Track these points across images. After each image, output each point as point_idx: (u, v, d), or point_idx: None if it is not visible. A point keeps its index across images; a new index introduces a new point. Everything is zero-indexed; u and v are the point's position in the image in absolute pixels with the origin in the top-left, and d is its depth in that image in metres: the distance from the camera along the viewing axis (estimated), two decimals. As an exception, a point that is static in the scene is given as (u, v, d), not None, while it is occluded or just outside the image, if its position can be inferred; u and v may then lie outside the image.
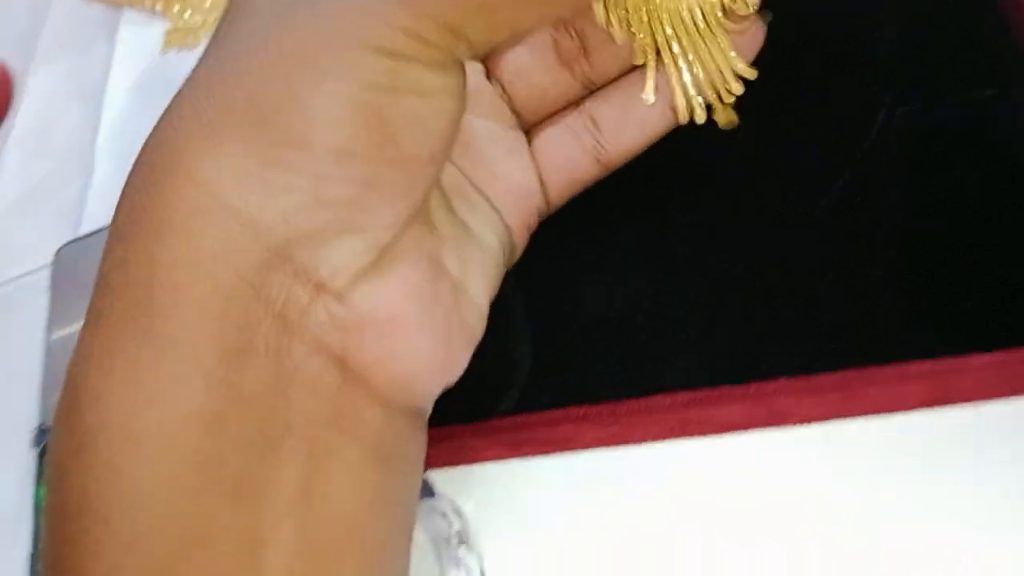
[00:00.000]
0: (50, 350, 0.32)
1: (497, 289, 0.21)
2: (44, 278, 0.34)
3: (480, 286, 0.20)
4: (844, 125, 0.26)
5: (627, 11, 0.20)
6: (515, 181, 0.22)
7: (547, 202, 0.23)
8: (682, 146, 0.27)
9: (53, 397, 0.30)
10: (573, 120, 0.23)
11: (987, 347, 0.22)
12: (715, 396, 0.23)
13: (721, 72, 0.21)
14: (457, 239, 0.20)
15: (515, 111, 0.23)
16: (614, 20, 0.20)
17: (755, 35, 0.22)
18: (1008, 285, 0.23)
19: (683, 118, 0.21)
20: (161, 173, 0.16)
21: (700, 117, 0.21)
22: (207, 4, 0.43)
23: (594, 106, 0.22)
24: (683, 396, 0.23)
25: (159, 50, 0.41)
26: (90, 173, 0.39)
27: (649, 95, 0.21)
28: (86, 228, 0.36)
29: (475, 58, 0.18)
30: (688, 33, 0.20)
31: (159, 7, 0.44)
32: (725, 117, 0.21)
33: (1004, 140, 0.25)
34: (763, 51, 0.22)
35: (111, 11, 0.45)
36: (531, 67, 0.22)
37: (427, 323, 0.18)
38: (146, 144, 0.17)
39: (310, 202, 0.16)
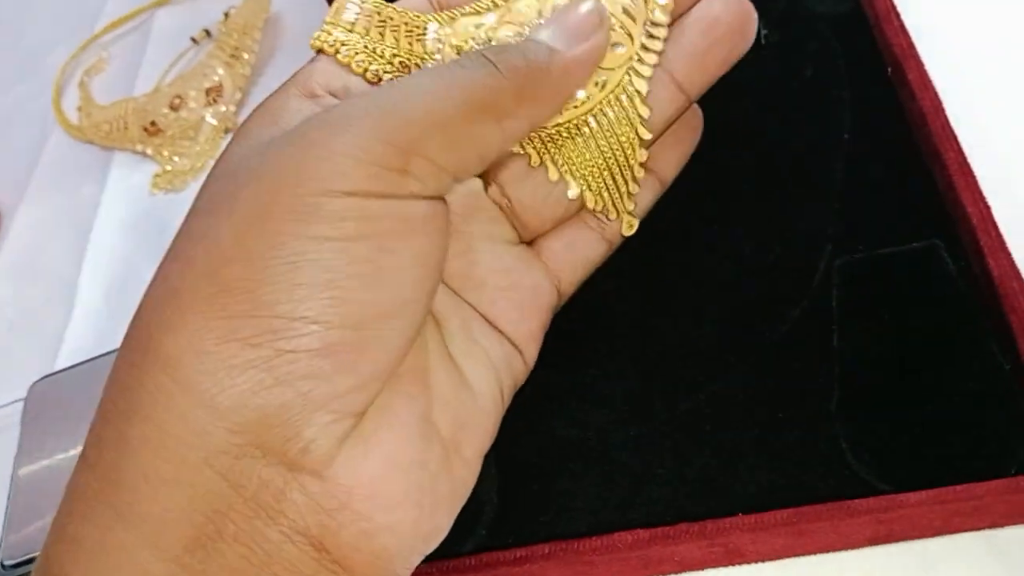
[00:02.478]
0: (16, 485, 0.32)
1: (493, 439, 0.21)
2: (16, 412, 0.35)
3: (474, 445, 0.19)
4: (793, 264, 0.29)
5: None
6: (525, 288, 0.22)
7: (560, 295, 0.23)
8: (643, 279, 0.29)
9: (17, 533, 0.30)
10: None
11: (926, 485, 0.23)
12: (674, 533, 0.23)
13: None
14: (451, 395, 0.19)
15: (516, 224, 0.23)
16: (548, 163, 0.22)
17: (695, 125, 0.24)
18: (944, 424, 0.24)
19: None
20: (135, 353, 0.16)
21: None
22: (196, 149, 0.46)
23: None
24: (644, 534, 0.24)
25: (147, 191, 0.44)
26: (71, 307, 0.40)
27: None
28: (62, 363, 0.37)
29: (456, 182, 0.18)
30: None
31: (149, 151, 0.46)
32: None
33: (937, 288, 0.27)
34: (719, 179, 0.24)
35: (103, 152, 0.47)
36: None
37: (412, 495, 0.17)
38: (132, 321, 0.17)
39: (269, 381, 0.15)
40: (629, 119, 0.21)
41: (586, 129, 0.21)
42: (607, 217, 0.23)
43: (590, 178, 0.21)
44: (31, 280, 0.43)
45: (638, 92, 0.21)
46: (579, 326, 0.27)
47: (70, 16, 0.56)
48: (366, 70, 0.20)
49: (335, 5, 0.22)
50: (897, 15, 0.32)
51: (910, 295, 0.27)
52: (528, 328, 0.22)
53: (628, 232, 0.24)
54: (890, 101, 0.32)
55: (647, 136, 0.21)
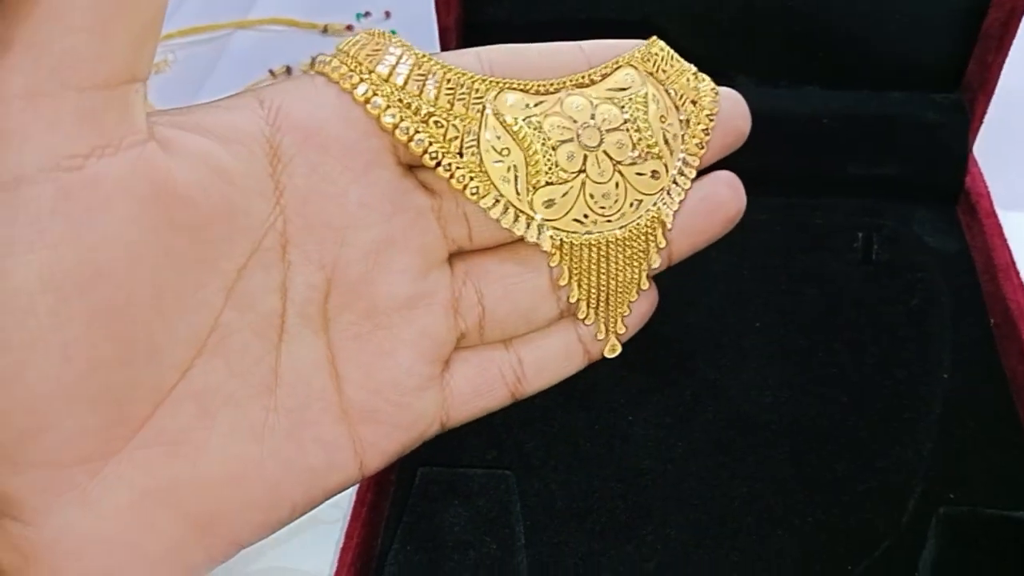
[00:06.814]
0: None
1: (267, 530, 0.17)
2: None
3: (231, 535, 0.17)
4: (883, 496, 0.28)
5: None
6: (412, 406, 0.19)
7: (441, 426, 0.21)
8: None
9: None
10: (500, 355, 0.21)
11: None
12: None
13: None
14: (217, 470, 0.16)
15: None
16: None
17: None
18: None
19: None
20: None
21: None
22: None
23: (521, 346, 0.22)
24: None
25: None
26: None
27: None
28: None
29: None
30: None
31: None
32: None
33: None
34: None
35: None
36: None
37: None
38: None
39: None
40: (647, 245, 0.21)
41: (606, 244, 0.21)
42: (595, 338, 0.22)
43: (592, 291, 0.21)
44: None
45: (663, 222, 0.21)
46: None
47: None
48: (396, 126, 0.19)
49: (356, 41, 0.19)
50: (1017, 272, 0.32)
51: (1011, 567, 0.26)
52: (385, 447, 0.19)
53: (610, 353, 0.22)
54: (991, 356, 0.31)
55: (656, 264, 0.22)
